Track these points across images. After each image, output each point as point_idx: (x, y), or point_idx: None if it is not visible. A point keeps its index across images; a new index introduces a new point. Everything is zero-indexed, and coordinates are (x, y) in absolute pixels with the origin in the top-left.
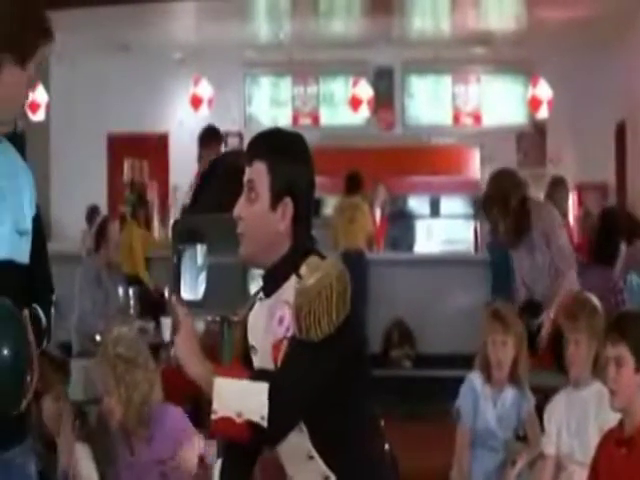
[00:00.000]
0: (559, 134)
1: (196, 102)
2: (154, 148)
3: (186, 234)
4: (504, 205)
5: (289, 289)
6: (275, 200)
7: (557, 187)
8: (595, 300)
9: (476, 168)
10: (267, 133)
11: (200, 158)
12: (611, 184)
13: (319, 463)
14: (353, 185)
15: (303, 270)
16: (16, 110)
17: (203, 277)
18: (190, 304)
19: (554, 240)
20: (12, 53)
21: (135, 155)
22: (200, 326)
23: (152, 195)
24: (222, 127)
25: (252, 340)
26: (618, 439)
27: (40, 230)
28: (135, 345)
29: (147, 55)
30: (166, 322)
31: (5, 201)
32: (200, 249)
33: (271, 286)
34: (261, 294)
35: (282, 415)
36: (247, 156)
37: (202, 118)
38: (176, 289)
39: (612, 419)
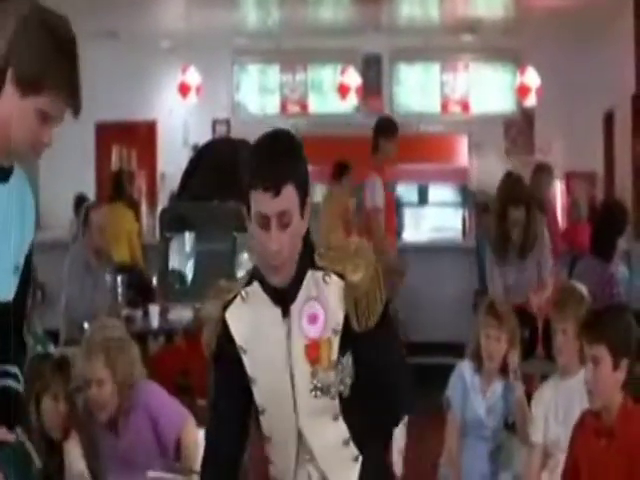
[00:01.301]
0: (547, 122)
1: (184, 90)
2: (142, 136)
3: (174, 222)
4: (527, 211)
5: (311, 285)
6: (302, 209)
7: (541, 173)
8: (582, 289)
9: (464, 156)
10: (276, 151)
11: (377, 149)
12: (599, 173)
13: (352, 448)
14: (338, 174)
15: (320, 261)
16: (16, 143)
17: (191, 264)
18: (177, 291)
19: (544, 265)
20: (15, 72)
21: (123, 143)
22: (188, 313)
23: (140, 182)
24: (210, 115)
25: (240, 341)
26: (597, 429)
27: (28, 270)
28: (120, 327)
29: (135, 43)
30: (154, 310)
31: (10, 240)
32: (188, 236)
33: (294, 290)
34: (254, 291)
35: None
36: (271, 186)
37: (190, 106)
38: (163, 277)
39: None
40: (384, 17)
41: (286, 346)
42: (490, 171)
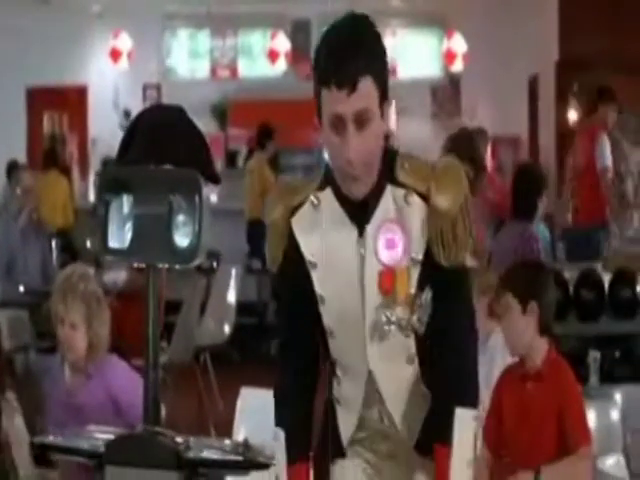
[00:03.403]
0: (474, 87)
1: (115, 55)
2: (73, 101)
3: (113, 184)
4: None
5: (390, 203)
6: (382, 106)
7: (478, 137)
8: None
9: (392, 120)
10: (348, 38)
11: (594, 111)
12: (524, 138)
13: (423, 388)
14: (262, 138)
15: (402, 176)
16: None
17: (129, 226)
18: (117, 252)
19: None
20: None
21: (55, 108)
22: (123, 275)
23: (72, 147)
24: (141, 80)
25: (309, 255)
26: (523, 375)
27: None
28: (95, 283)
29: (66, 8)
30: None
31: None
32: (126, 199)
33: (372, 206)
34: (327, 198)
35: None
36: (345, 81)
37: (121, 71)
38: (103, 239)
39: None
40: None
41: (359, 270)
42: (416, 135)
